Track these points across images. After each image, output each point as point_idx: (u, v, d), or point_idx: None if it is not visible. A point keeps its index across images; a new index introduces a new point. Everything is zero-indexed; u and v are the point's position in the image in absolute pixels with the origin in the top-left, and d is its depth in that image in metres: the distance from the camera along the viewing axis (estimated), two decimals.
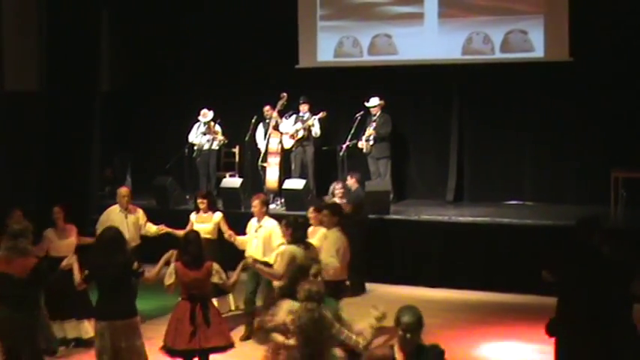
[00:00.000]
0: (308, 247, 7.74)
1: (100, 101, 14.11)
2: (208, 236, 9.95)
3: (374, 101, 13.32)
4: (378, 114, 13.33)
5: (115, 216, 10.11)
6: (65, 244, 9.21)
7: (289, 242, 7.77)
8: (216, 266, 7.48)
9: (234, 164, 14.56)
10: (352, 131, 13.25)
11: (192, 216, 10.41)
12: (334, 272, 8.41)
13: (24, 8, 14.04)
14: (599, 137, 12.85)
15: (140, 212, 10.41)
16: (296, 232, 7.75)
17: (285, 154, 13.72)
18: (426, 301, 9.66)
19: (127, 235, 9.93)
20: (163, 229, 10.42)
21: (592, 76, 12.78)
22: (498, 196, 13.41)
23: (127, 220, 10.12)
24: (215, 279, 7.46)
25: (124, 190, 10.39)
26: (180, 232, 10.48)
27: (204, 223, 10.18)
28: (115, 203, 10.41)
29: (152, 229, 10.38)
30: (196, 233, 7.74)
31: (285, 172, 13.62)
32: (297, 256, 7.45)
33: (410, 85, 13.85)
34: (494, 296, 11.07)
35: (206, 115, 13.88)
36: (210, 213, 10.29)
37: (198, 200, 10.37)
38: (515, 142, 13.46)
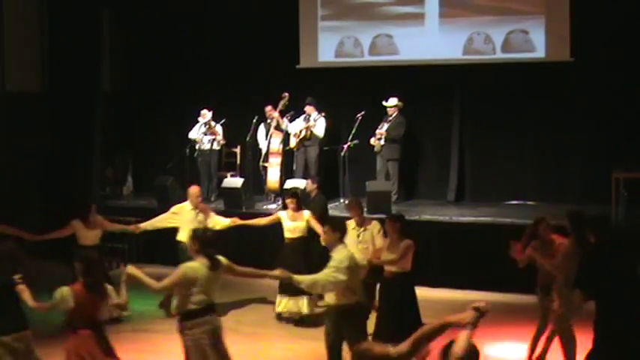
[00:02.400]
0: (216, 264, 6.89)
1: (101, 101, 14.13)
2: (303, 235, 10.15)
3: (392, 101, 13.30)
4: (394, 115, 13.31)
5: (187, 213, 10.47)
6: (92, 234, 10.05)
7: (195, 255, 6.94)
8: (110, 287, 6.94)
9: (236, 164, 14.56)
10: (353, 131, 13.25)
11: (282, 214, 10.38)
12: (338, 294, 7.36)
13: (25, 9, 14.05)
14: (600, 137, 12.85)
15: (209, 211, 10.72)
16: (203, 246, 6.92)
17: (288, 155, 13.73)
18: (426, 301, 9.61)
19: None
20: (237, 221, 10.66)
21: (593, 77, 12.78)
22: (499, 196, 13.41)
23: (197, 217, 10.41)
24: (113, 302, 6.93)
25: (196, 190, 10.65)
26: (256, 221, 10.71)
27: (297, 221, 10.18)
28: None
29: (223, 222, 10.56)
30: (94, 253, 7.05)
31: (286, 173, 13.63)
32: (189, 274, 6.77)
33: (411, 85, 13.84)
34: (494, 296, 11.03)
35: (205, 115, 13.89)
36: (300, 211, 10.25)
37: (288, 200, 10.33)
38: (516, 142, 13.47)
